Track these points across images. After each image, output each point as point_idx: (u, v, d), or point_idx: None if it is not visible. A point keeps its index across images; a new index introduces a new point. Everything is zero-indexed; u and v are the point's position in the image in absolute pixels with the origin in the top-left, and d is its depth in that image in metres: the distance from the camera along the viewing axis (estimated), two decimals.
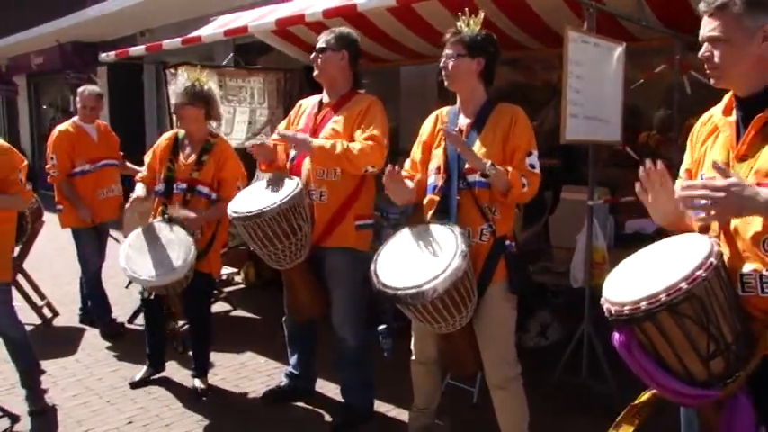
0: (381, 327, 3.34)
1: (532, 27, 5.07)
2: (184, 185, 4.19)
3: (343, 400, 3.98)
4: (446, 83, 3.11)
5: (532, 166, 2.97)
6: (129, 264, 3.95)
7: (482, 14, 3.08)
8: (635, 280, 1.96)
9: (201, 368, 4.43)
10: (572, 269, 4.38)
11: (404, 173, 3.30)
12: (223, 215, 4.03)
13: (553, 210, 5.11)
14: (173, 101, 4.30)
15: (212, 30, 6.13)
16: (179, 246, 3.96)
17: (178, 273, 3.87)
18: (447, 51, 3.06)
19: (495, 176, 2.87)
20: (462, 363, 3.21)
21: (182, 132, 4.37)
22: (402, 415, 3.90)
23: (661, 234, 2.19)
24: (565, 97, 3.74)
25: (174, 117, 6.47)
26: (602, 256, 4.30)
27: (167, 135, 4.46)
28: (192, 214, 4.08)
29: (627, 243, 4.62)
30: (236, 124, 6.53)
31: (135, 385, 4.47)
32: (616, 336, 1.93)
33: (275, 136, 3.77)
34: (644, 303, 1.83)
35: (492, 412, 3.17)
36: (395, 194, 3.09)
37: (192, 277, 4.03)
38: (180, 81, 4.29)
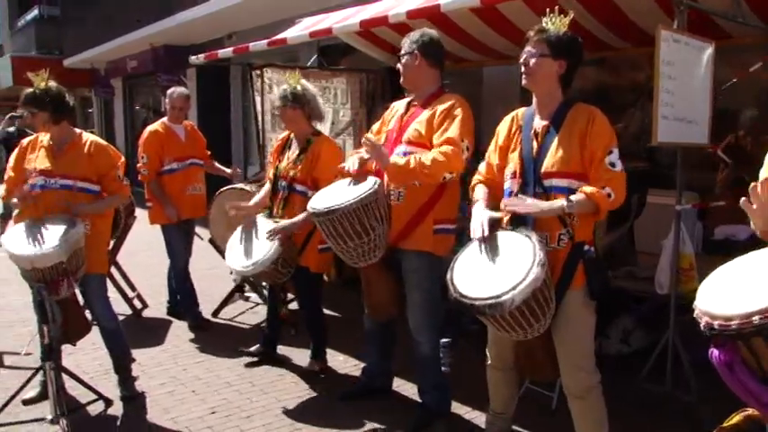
0: (444, 340, 3.30)
1: (620, 26, 4.96)
2: (285, 183, 4.36)
3: (420, 401, 3.99)
4: (524, 81, 3.02)
5: (612, 165, 2.82)
6: (230, 253, 4.32)
7: (571, 15, 2.98)
8: (738, 291, 1.82)
9: (315, 352, 4.68)
10: (657, 275, 4.26)
11: (478, 176, 3.27)
12: None
13: (639, 214, 4.98)
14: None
15: (297, 32, 6.25)
16: (268, 241, 4.17)
17: (260, 266, 4.09)
18: (529, 49, 2.96)
19: (579, 208, 2.78)
20: (540, 369, 3.14)
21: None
22: (479, 418, 3.88)
23: (755, 241, 2.07)
24: (656, 98, 3.64)
25: (260, 117, 6.70)
26: (690, 262, 4.17)
27: (282, 135, 4.66)
28: (287, 224, 4.21)
29: (716, 249, 4.48)
30: (320, 124, 6.65)
31: (244, 353, 4.88)
32: (716, 353, 1.81)
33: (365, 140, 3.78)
34: (757, 318, 1.68)
35: (571, 419, 3.11)
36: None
37: (294, 270, 4.31)
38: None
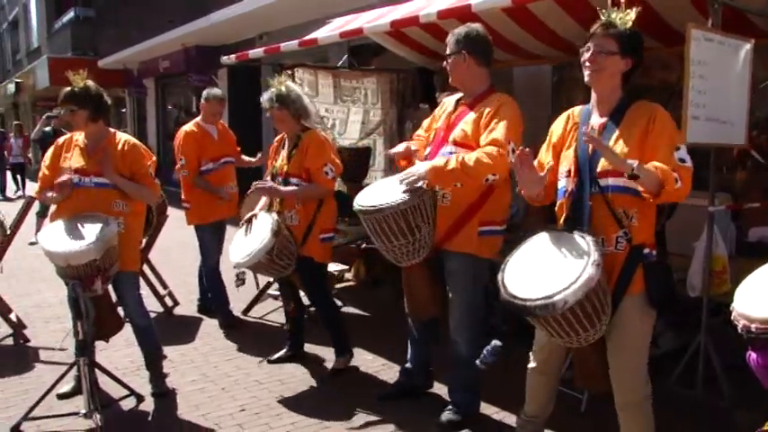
0: (496, 343, 3.19)
1: (651, 25, 4.89)
2: (281, 179, 4.50)
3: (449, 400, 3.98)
4: (587, 78, 2.86)
5: (682, 160, 2.67)
6: (232, 248, 4.43)
7: (637, 9, 2.81)
8: None
9: (337, 349, 4.69)
10: (689, 277, 4.21)
11: None
12: (307, 195, 4.41)
13: (670, 215, 4.91)
14: None
15: (328, 32, 6.27)
16: (262, 232, 4.27)
17: (256, 257, 4.18)
18: (594, 44, 2.79)
19: (645, 177, 2.57)
20: (596, 379, 2.98)
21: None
22: (508, 418, 3.87)
23: None
24: (686, 98, 3.59)
25: None
26: (723, 264, 4.11)
27: (278, 137, 4.77)
28: (276, 186, 4.43)
29: (750, 252, 4.40)
30: (350, 124, 6.67)
31: (271, 363, 4.89)
32: (753, 356, 1.79)
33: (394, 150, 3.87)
34: None
35: (600, 422, 3.08)
36: (524, 181, 2.91)
37: (297, 263, 4.41)
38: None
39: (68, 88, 4.03)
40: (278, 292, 6.35)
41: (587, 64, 2.83)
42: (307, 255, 4.45)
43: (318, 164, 4.39)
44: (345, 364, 4.68)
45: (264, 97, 4.53)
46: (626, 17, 2.79)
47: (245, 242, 4.36)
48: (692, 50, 3.55)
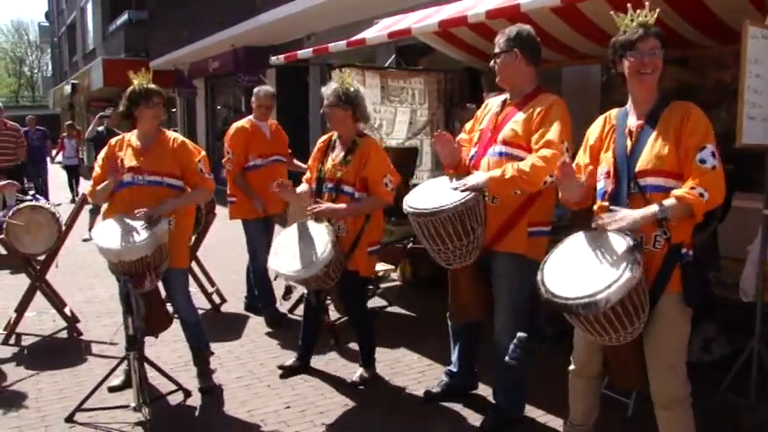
0: (521, 335, 3.19)
1: (705, 23, 4.79)
2: (331, 185, 4.28)
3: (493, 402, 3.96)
4: (641, 82, 2.88)
5: (703, 161, 2.71)
6: (275, 259, 4.19)
7: (655, 10, 2.85)
8: None
9: (363, 360, 4.56)
10: (742, 282, 4.11)
11: None
12: (366, 210, 4.21)
13: (723, 217, 4.80)
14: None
15: (376, 32, 6.28)
16: (319, 244, 4.06)
17: (312, 269, 3.97)
18: (650, 47, 2.82)
19: (672, 213, 2.68)
20: (630, 378, 3.01)
21: (336, 134, 4.43)
22: (553, 422, 3.84)
23: None
24: (742, 98, 3.51)
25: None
26: None
27: (324, 137, 4.56)
28: (334, 206, 4.17)
29: None
30: (397, 124, 6.67)
31: (283, 371, 4.68)
32: None
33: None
34: None
35: (647, 427, 3.04)
36: (564, 187, 3.02)
37: (340, 275, 4.17)
38: (331, 84, 4.36)
39: (153, 86, 4.11)
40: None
41: (648, 70, 2.85)
42: (353, 268, 4.23)
43: (379, 175, 4.17)
44: (370, 375, 4.54)
45: (328, 92, 4.25)
46: (652, 17, 2.85)
47: (294, 253, 4.11)
48: (749, 48, 3.47)
